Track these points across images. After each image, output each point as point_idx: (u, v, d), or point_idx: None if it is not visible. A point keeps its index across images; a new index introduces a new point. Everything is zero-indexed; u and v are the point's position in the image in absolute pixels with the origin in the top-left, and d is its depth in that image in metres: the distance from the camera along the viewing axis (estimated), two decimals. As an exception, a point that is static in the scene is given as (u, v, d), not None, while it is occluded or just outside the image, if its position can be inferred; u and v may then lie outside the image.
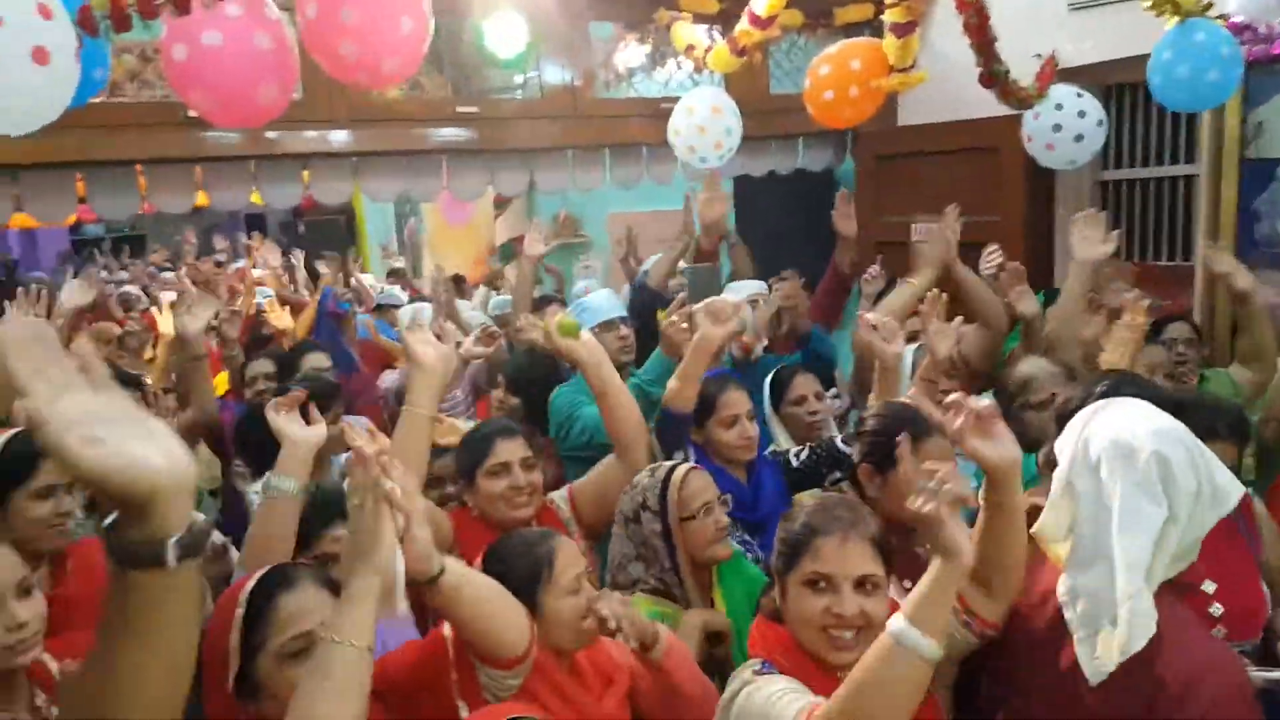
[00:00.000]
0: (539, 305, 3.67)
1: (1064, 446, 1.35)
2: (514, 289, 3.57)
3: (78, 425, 0.72)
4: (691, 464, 1.88)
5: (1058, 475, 1.34)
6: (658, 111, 3.92)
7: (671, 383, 2.10)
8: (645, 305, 3.32)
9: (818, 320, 3.32)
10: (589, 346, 1.98)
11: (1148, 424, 1.28)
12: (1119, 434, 1.28)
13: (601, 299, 2.81)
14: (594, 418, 2.35)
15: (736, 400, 2.20)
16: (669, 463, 1.89)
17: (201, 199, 3.26)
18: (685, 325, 2.26)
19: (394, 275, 8.16)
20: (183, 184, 3.18)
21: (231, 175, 3.26)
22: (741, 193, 4.93)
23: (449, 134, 3.58)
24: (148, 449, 0.74)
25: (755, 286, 3.36)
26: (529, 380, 2.82)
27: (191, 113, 2.67)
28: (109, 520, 0.77)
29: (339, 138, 3.35)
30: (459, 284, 6.85)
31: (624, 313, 2.78)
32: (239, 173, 3.28)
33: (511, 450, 1.99)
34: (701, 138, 3.29)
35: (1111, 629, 1.22)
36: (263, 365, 3.11)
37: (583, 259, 6.99)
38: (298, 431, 1.69)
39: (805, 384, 2.57)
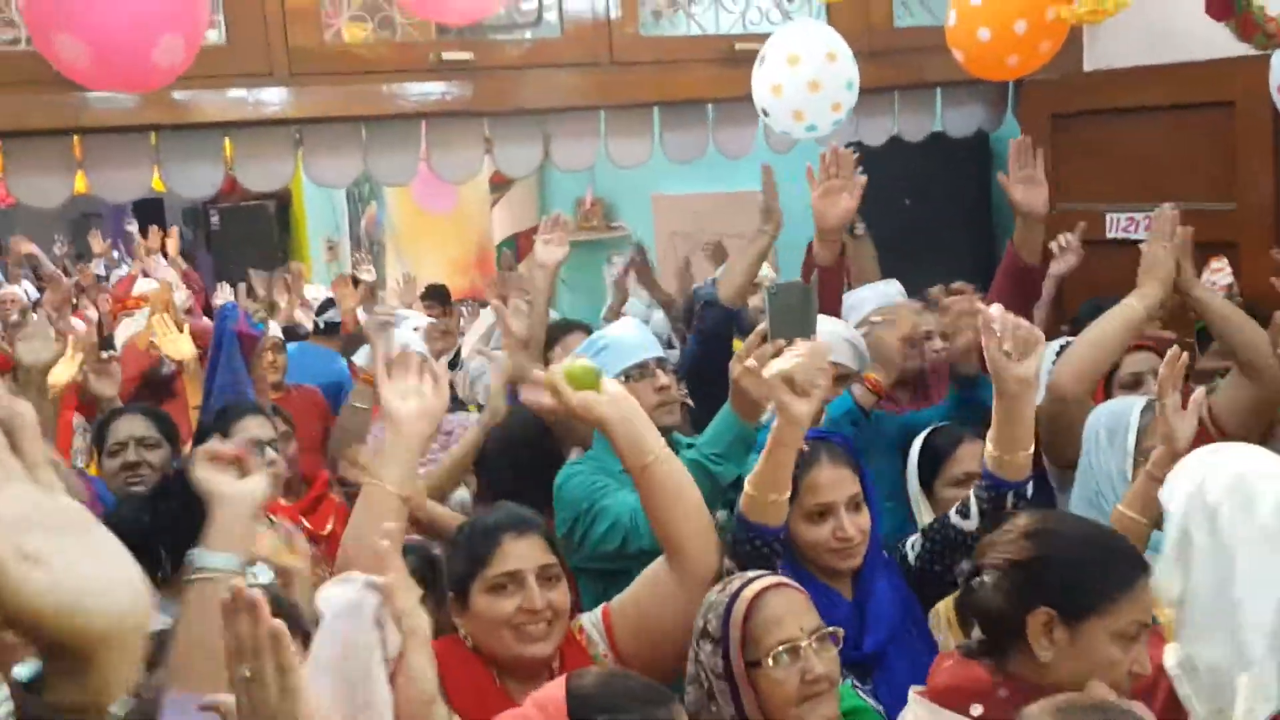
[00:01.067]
0: (557, 337, 3.68)
1: (1177, 492, 1.51)
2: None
3: (13, 532, 0.70)
4: (774, 578, 1.86)
5: (1170, 525, 1.50)
6: (730, 54, 3.98)
7: (749, 488, 2.09)
8: (713, 334, 3.32)
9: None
10: (618, 401, 1.97)
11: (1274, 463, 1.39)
12: (1241, 475, 1.45)
13: (627, 333, 2.79)
14: (627, 509, 2.36)
15: (830, 483, 2.19)
16: (745, 575, 1.88)
17: (80, 184, 3.33)
18: (765, 373, 2.22)
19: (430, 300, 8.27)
20: (54, 164, 3.27)
21: (122, 151, 3.34)
22: None
23: (430, 90, 3.64)
24: (101, 574, 0.73)
25: (884, 293, 3.36)
26: (516, 445, 2.88)
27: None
28: (24, 673, 0.77)
29: (275, 98, 3.42)
30: (438, 299, 6.94)
31: (659, 352, 2.80)
32: (133, 148, 3.35)
33: (526, 554, 1.96)
34: (813, 98, 3.28)
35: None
36: (132, 424, 3.17)
37: (614, 259, 7.06)
38: (232, 486, 1.69)
39: (976, 456, 2.53)
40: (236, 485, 1.68)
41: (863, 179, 3.21)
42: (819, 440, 2.28)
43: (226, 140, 3.51)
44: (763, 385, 2.18)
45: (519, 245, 7.57)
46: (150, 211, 11.41)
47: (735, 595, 1.81)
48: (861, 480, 2.23)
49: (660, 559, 2.01)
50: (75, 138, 3.27)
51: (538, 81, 3.80)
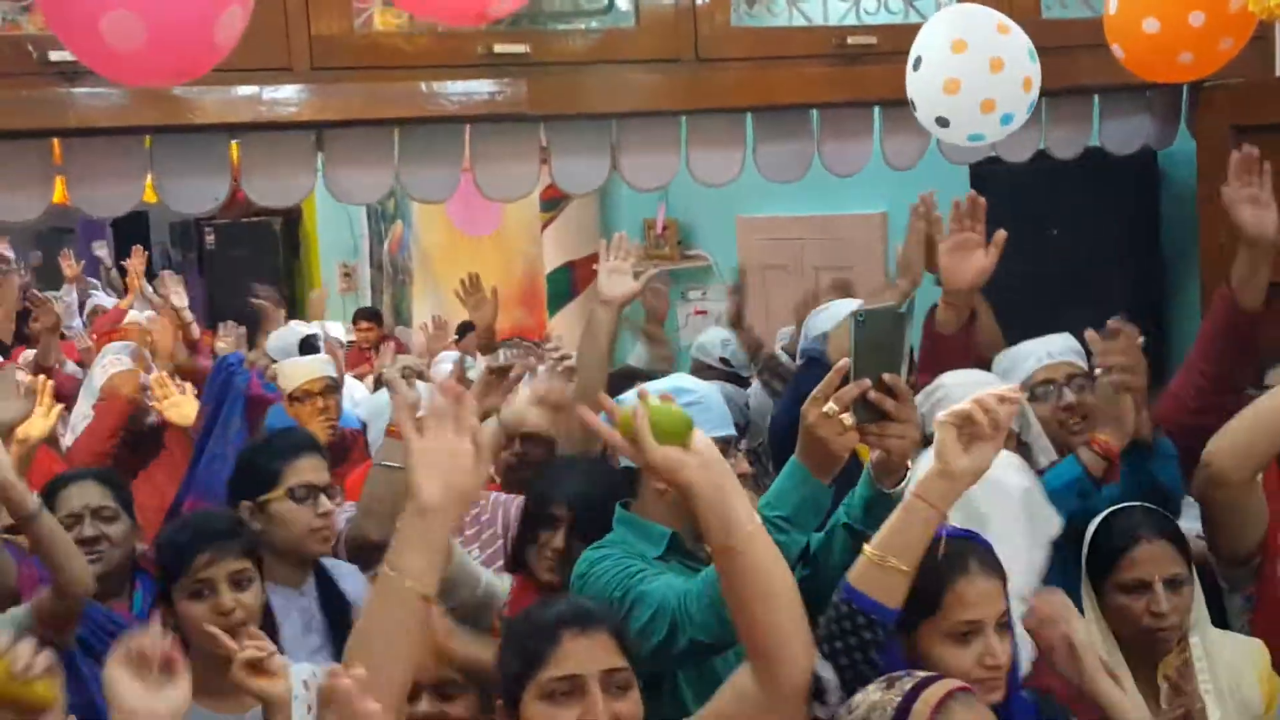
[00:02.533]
0: (620, 384, 3.69)
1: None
2: (579, 355, 3.62)
3: None
4: (954, 681, 1.87)
5: None
6: (841, 49, 3.99)
7: (870, 550, 2.12)
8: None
9: (1173, 419, 3.22)
10: (711, 465, 1.92)
11: None
12: None
13: (717, 397, 2.83)
14: (673, 592, 2.37)
15: (982, 597, 2.21)
16: (913, 675, 1.87)
17: (59, 193, 3.40)
18: (846, 419, 2.27)
19: (365, 320, 8.42)
20: (29, 170, 3.32)
21: (111, 156, 3.39)
22: (978, 190, 4.90)
23: (477, 90, 3.68)
24: None
25: (1055, 348, 3.44)
26: (591, 505, 2.94)
27: (58, 55, 2.79)
28: None
29: (292, 96, 3.47)
30: (481, 341, 7.00)
31: (733, 429, 2.83)
32: (124, 153, 3.41)
33: (589, 655, 1.98)
34: (998, 79, 3.21)
35: None
36: (85, 493, 3.21)
37: (696, 296, 7.07)
38: (141, 703, 1.90)
39: (1159, 558, 2.62)
40: (148, 703, 1.88)
41: (1002, 235, 3.19)
42: (965, 540, 2.27)
43: (233, 145, 3.56)
44: (842, 434, 2.23)
45: (574, 276, 7.61)
46: (132, 228, 11.66)
47: (912, 695, 1.82)
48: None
49: (744, 668, 1.99)
50: (55, 140, 3.34)
51: (606, 80, 3.82)
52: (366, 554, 3.14)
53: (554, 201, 7.53)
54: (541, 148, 3.88)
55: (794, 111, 4.13)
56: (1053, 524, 2.70)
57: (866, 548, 2.13)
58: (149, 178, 3.44)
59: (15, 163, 3.31)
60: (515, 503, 3.60)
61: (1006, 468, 2.60)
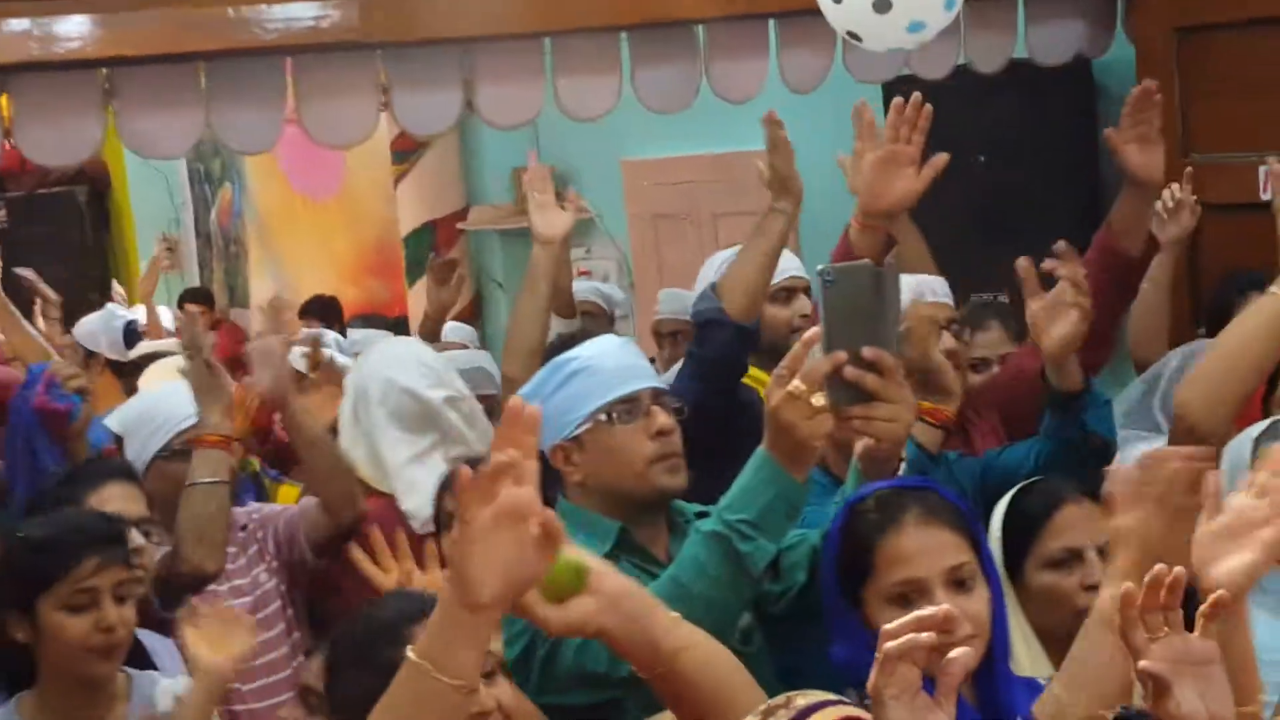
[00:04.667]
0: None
1: None
2: (515, 310, 3.68)
3: None
4: (847, 707, 1.79)
5: None
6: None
7: None
8: (718, 362, 3.34)
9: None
10: (618, 601, 1.83)
11: None
12: None
13: (609, 352, 2.78)
14: None
15: (917, 550, 2.18)
16: (805, 695, 1.81)
17: None
18: (816, 400, 2.21)
19: (193, 302, 8.23)
20: None
21: None
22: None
23: (298, 15, 3.62)
24: None
25: (925, 289, 3.46)
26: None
27: None
28: None
29: (75, 30, 3.38)
30: (324, 317, 6.84)
31: (655, 379, 2.82)
32: None
33: None
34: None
35: None
36: None
37: (579, 254, 6.99)
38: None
39: (1081, 520, 2.58)
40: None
41: (943, 159, 3.16)
42: (906, 490, 2.27)
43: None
44: (812, 418, 2.19)
45: (438, 237, 7.51)
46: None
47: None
48: (977, 547, 2.22)
49: None
50: None
51: (453, -1, 3.77)
52: (183, 589, 3.06)
53: (406, 153, 7.42)
54: (379, 84, 3.81)
55: (676, 28, 4.09)
56: None
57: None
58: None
59: None
60: (285, 514, 3.57)
61: None
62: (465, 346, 5.69)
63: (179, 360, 3.74)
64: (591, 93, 4.05)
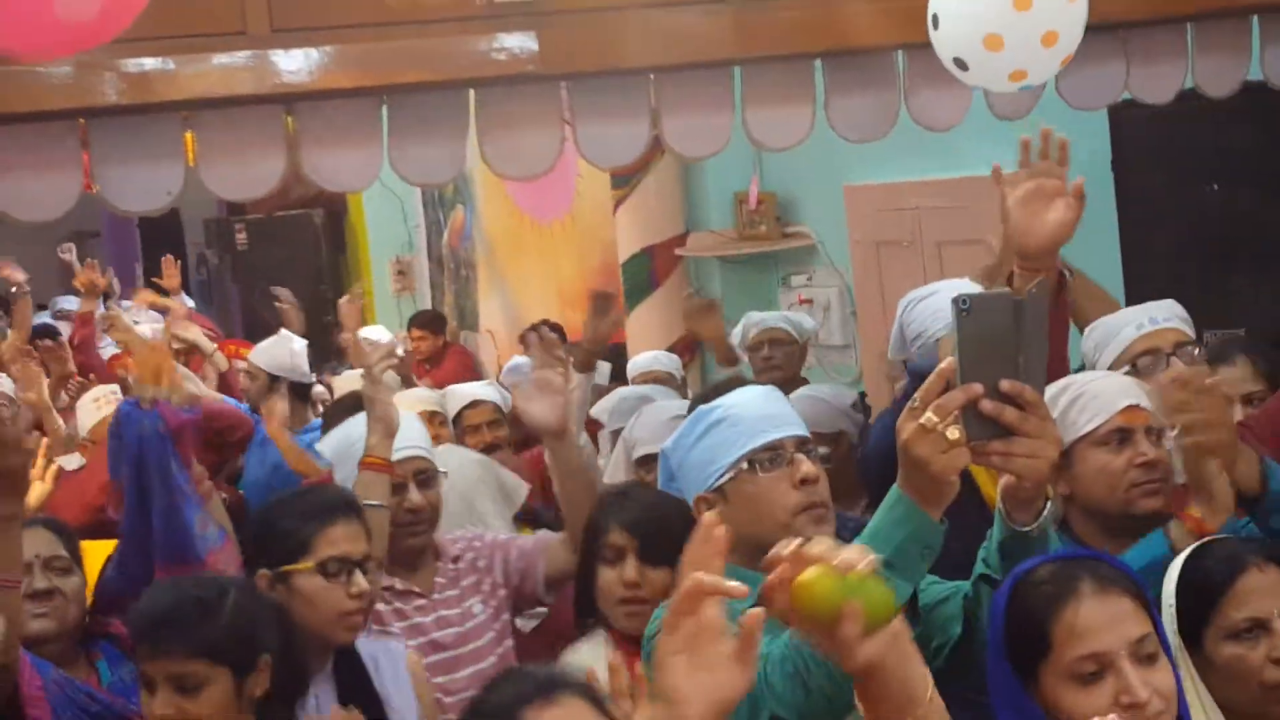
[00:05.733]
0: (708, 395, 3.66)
1: None
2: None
3: None
4: None
5: None
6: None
7: None
8: None
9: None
10: (899, 638, 1.86)
11: None
12: None
13: (753, 401, 2.81)
14: None
15: (1097, 622, 2.16)
16: None
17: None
18: (951, 434, 2.18)
19: (420, 327, 8.46)
20: None
21: (41, 145, 3.42)
22: (1117, 138, 4.87)
23: (480, 47, 3.66)
24: None
25: (1154, 317, 3.43)
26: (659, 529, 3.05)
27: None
28: None
29: (252, 65, 3.47)
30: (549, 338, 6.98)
31: (800, 428, 2.80)
32: (55, 141, 3.44)
33: None
34: (1018, 25, 3.21)
35: None
36: (35, 541, 3.23)
37: (800, 281, 6.97)
38: None
39: (1266, 587, 2.51)
40: None
41: (1080, 183, 3.07)
42: (1077, 560, 2.25)
43: (188, 133, 3.58)
44: (946, 453, 2.15)
45: (654, 264, 7.55)
46: (164, 229, 11.88)
47: None
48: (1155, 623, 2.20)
49: None
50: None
51: (636, 27, 3.78)
52: None
53: (626, 177, 7.48)
54: (562, 115, 3.83)
55: (873, 55, 4.04)
56: None
57: None
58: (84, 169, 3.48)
59: None
60: (516, 545, 3.58)
61: None
62: (671, 375, 5.77)
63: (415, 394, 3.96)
64: (783, 122, 4.01)
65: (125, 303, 10.26)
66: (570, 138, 3.88)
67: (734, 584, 1.76)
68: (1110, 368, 3.38)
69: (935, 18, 3.36)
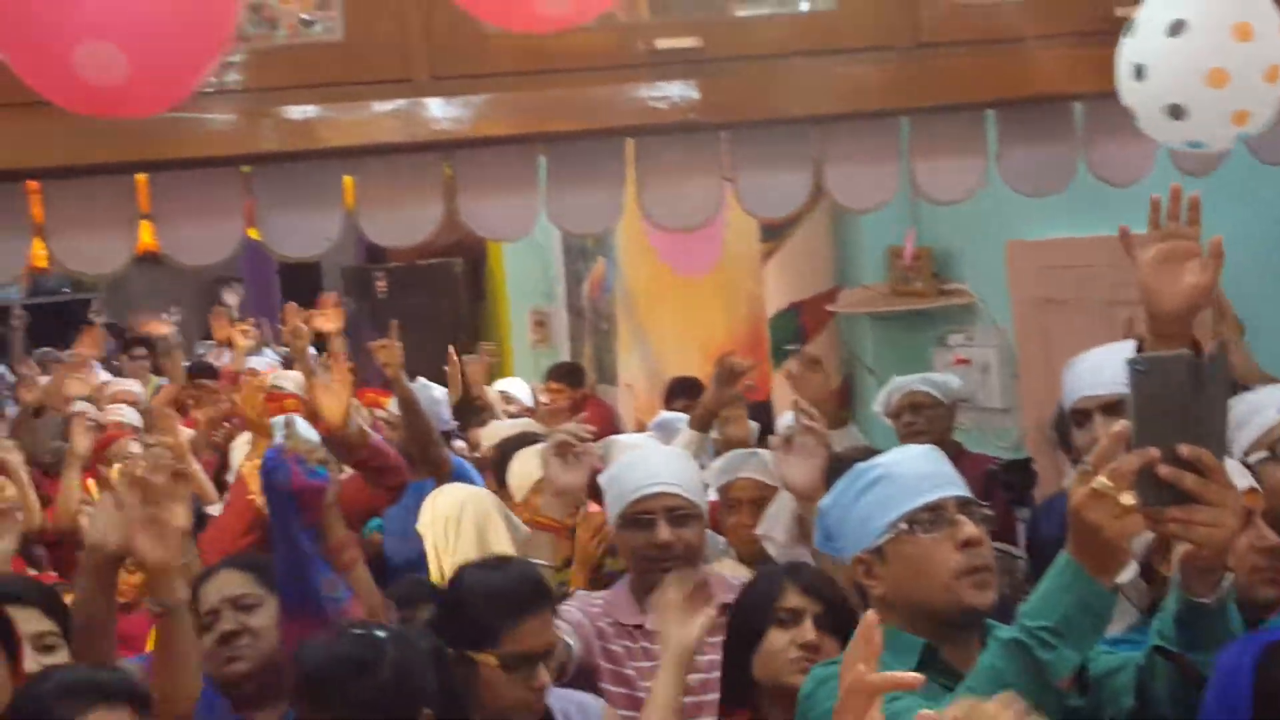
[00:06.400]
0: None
1: None
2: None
3: None
4: None
5: None
6: (1108, 25, 3.76)
7: None
8: None
9: None
10: None
11: None
12: None
13: (912, 460, 2.80)
14: None
15: None
16: None
17: (147, 236, 3.56)
18: (1125, 499, 2.16)
19: (557, 380, 8.49)
20: (111, 214, 3.50)
21: (200, 192, 3.54)
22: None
23: (639, 95, 3.69)
24: None
25: None
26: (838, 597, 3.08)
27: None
28: None
29: (413, 113, 3.54)
30: (691, 398, 6.97)
31: (961, 488, 2.76)
32: (217, 188, 3.56)
33: None
34: (1242, 57, 3.20)
35: None
36: (223, 583, 3.35)
37: (958, 340, 6.88)
38: None
39: None
40: None
41: (1218, 241, 3.00)
42: None
43: (345, 177, 3.67)
44: (1120, 518, 2.15)
45: (802, 320, 7.51)
46: (302, 276, 12.12)
47: None
48: None
49: None
50: (137, 177, 3.50)
51: (801, 76, 3.79)
52: None
53: (776, 230, 7.45)
54: (720, 165, 3.87)
55: (1050, 105, 4.02)
56: None
57: None
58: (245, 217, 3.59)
59: (93, 204, 3.48)
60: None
61: None
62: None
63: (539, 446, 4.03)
64: (953, 174, 4.01)
65: (266, 351, 10.51)
66: (732, 188, 3.91)
67: (908, 675, 1.80)
68: (1247, 451, 3.29)
69: (1139, 68, 3.28)
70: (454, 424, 7.00)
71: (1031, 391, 6.50)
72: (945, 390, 5.56)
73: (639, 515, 3.58)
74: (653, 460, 3.79)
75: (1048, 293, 6.48)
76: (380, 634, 2.84)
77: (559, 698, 3.20)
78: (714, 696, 3.37)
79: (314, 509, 3.36)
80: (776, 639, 3.14)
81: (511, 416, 7.27)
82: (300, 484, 3.33)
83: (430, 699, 2.74)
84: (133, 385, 8.54)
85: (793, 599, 3.14)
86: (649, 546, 3.54)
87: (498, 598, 3.13)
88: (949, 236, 7.05)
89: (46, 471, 6.78)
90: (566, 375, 8.55)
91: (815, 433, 3.66)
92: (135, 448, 6.08)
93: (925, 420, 5.45)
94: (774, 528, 4.23)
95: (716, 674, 3.36)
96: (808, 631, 3.11)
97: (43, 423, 7.48)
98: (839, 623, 3.03)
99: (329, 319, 7.57)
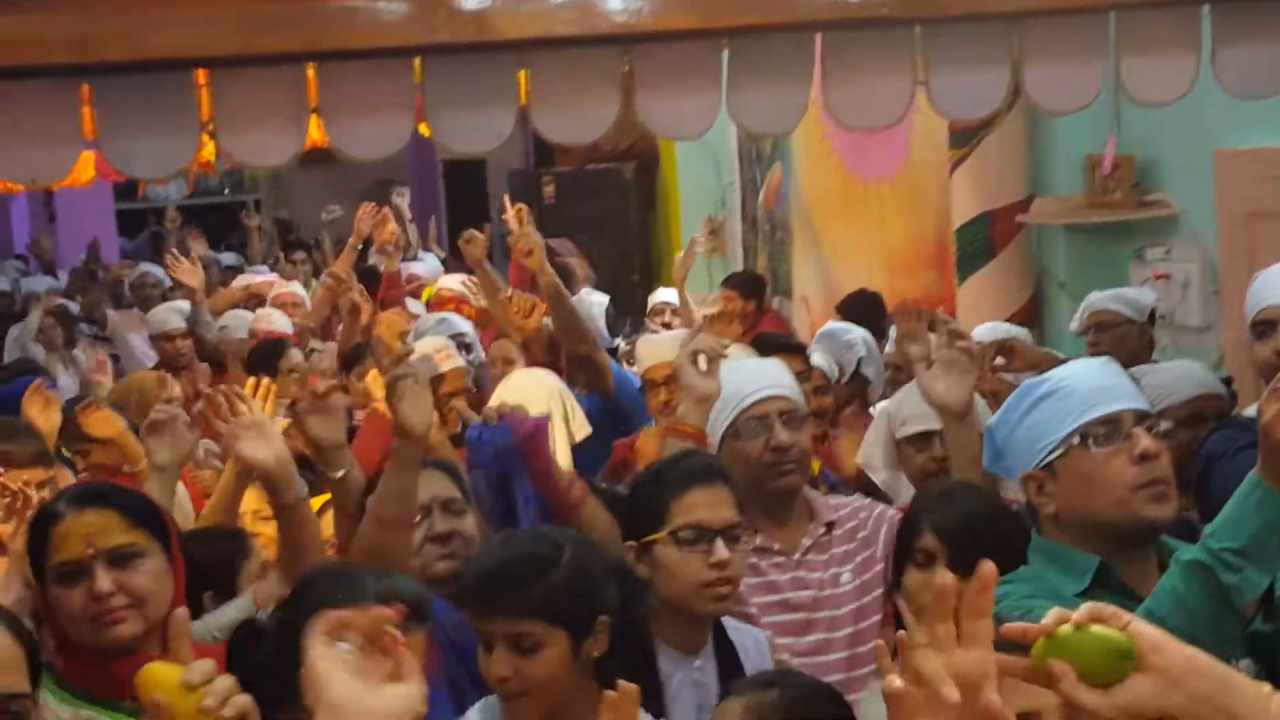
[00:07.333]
0: None
1: None
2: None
3: None
4: None
5: None
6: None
7: None
8: None
9: None
10: (1173, 675, 1.77)
11: None
12: None
13: (1087, 373, 2.78)
14: None
15: None
16: None
17: (315, 132, 3.61)
18: None
19: (733, 288, 8.44)
20: (279, 106, 3.54)
21: (371, 87, 3.56)
22: None
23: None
24: None
25: None
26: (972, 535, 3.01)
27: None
28: None
29: (591, 5, 3.56)
30: (869, 312, 6.89)
31: (1140, 401, 2.75)
32: (383, 82, 3.57)
33: None
34: None
35: None
36: (431, 483, 3.43)
37: (1156, 255, 6.71)
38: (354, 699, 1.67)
39: None
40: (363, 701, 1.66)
41: None
42: None
43: (520, 71, 3.66)
44: None
45: (992, 231, 7.37)
46: (468, 179, 12.29)
47: None
48: None
49: None
50: (308, 67, 3.52)
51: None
52: None
53: (967, 136, 7.31)
54: (913, 62, 3.81)
55: (1271, 2, 3.89)
56: None
57: None
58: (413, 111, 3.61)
59: (261, 96, 3.53)
60: (896, 518, 3.53)
61: None
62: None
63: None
64: (1162, 74, 3.92)
65: (427, 255, 10.60)
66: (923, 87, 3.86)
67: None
68: None
69: None
70: (616, 341, 6.96)
71: (1234, 309, 6.32)
72: (1136, 307, 5.40)
73: (752, 420, 3.52)
74: (753, 368, 3.76)
75: (1257, 205, 6.29)
76: (558, 535, 2.86)
77: (734, 629, 3.20)
78: (833, 614, 3.41)
79: (540, 452, 3.45)
80: (913, 578, 3.13)
81: (667, 328, 7.18)
82: (524, 430, 3.42)
83: (609, 608, 2.74)
84: (296, 288, 8.66)
85: (928, 540, 3.10)
86: (766, 450, 3.48)
87: (663, 472, 3.18)
88: (1151, 144, 6.86)
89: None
90: (742, 284, 8.43)
91: (968, 350, 3.58)
92: (295, 355, 6.26)
93: (1111, 339, 5.29)
94: (874, 455, 4.20)
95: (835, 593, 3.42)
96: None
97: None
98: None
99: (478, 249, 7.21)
